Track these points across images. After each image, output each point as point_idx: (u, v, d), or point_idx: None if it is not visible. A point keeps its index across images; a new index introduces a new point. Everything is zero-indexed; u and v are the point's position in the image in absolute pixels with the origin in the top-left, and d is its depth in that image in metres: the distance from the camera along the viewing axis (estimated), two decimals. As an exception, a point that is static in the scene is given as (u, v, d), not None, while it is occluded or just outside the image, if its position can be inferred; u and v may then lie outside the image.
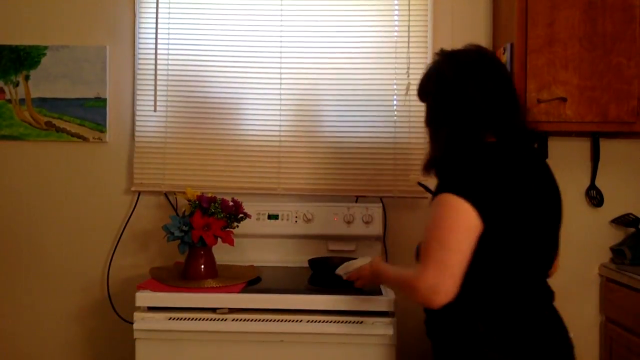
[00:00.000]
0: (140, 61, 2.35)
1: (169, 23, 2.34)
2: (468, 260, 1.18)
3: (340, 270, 1.74)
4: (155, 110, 2.34)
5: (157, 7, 2.33)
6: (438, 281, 1.15)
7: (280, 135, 2.34)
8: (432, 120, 1.41)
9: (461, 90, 1.31)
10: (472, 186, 1.21)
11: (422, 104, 1.48)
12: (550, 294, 1.32)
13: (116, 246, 2.38)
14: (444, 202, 1.21)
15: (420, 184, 1.74)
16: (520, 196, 1.25)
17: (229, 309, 1.70)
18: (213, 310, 1.70)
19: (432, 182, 1.39)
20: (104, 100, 2.37)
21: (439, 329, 1.34)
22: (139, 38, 2.35)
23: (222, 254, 2.04)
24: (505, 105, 1.32)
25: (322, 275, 2.00)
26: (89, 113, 2.37)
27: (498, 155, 1.28)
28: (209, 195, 1.91)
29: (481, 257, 1.20)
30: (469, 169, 1.24)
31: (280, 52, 2.33)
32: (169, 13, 2.34)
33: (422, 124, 1.54)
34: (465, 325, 1.25)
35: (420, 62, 2.29)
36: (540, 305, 1.30)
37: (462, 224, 1.18)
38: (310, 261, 2.08)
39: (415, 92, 1.50)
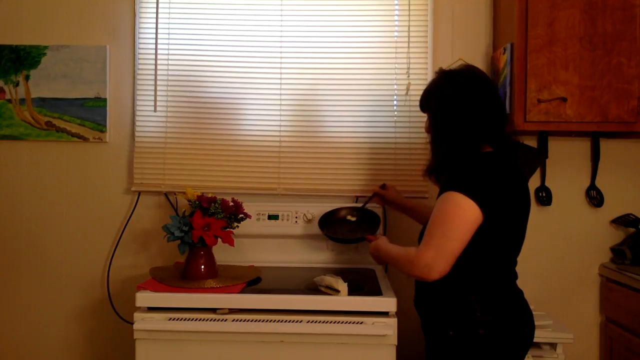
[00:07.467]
0: (140, 61, 2.35)
1: (169, 23, 2.34)
2: (463, 247, 1.41)
3: (317, 280, 1.81)
4: (155, 111, 2.34)
5: (157, 7, 2.33)
6: (434, 262, 1.40)
7: (280, 135, 2.34)
8: (434, 132, 1.61)
9: (461, 107, 1.52)
10: (477, 187, 1.43)
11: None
12: (516, 275, 1.59)
13: (116, 246, 2.38)
14: (452, 199, 1.43)
15: None
16: (512, 196, 1.48)
17: (229, 309, 1.70)
18: (213, 310, 1.70)
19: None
20: (104, 100, 2.37)
21: (434, 300, 1.55)
22: (139, 38, 2.35)
23: (222, 254, 2.04)
24: (498, 120, 1.55)
25: (330, 223, 2.15)
26: (89, 113, 2.37)
27: (496, 162, 1.51)
28: (209, 195, 1.91)
29: (477, 243, 1.43)
30: (475, 174, 1.47)
31: (280, 52, 2.33)
32: (169, 13, 2.34)
33: (423, 124, 1.74)
34: (460, 295, 1.49)
35: (421, 62, 2.29)
36: (514, 280, 1.57)
37: (466, 218, 1.40)
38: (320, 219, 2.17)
39: (415, 95, 1.73)
